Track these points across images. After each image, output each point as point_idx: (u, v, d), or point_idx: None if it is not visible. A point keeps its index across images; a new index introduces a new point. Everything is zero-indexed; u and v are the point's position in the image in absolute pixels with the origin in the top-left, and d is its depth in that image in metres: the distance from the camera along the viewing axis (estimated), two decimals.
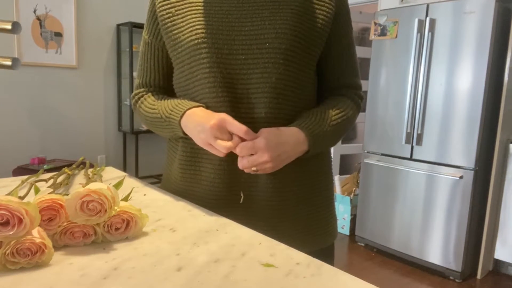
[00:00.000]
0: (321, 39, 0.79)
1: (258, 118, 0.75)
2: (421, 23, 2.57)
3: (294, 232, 0.80)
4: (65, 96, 3.85)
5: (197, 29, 0.75)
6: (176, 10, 0.79)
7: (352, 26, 0.85)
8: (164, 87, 0.87)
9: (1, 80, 3.48)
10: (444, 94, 2.50)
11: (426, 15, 2.55)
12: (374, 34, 2.81)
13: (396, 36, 2.70)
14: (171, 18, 0.79)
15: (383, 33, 2.77)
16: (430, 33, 2.53)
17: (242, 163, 0.71)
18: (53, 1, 3.66)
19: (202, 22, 0.75)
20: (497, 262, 2.72)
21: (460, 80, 2.43)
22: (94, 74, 4.02)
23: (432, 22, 2.52)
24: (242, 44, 0.74)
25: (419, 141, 2.62)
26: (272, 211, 0.79)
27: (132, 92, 4.66)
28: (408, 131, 2.66)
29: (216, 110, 0.75)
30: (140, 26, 4.06)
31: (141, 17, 4.25)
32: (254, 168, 0.71)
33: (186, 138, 0.81)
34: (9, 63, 1.36)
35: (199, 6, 0.77)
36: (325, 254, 0.86)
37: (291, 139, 0.73)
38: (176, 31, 0.78)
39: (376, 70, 2.84)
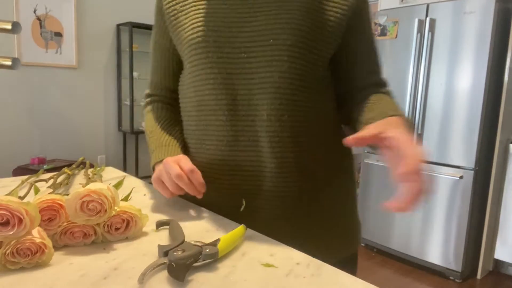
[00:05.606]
0: (334, 36, 0.72)
1: (259, 120, 0.70)
2: (421, 23, 2.56)
3: (307, 244, 0.70)
4: (65, 96, 3.85)
5: (198, 26, 0.72)
6: (180, 7, 0.76)
7: (372, 21, 0.79)
8: (175, 90, 0.84)
9: (1, 80, 3.48)
10: (444, 94, 2.50)
11: (426, 15, 2.55)
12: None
13: (396, 36, 2.70)
14: (176, 15, 0.76)
15: (383, 33, 2.77)
16: (430, 33, 2.53)
17: (415, 203, 0.53)
18: (53, 1, 3.66)
19: (204, 19, 0.71)
20: (497, 262, 2.72)
21: (460, 80, 2.42)
22: (94, 74, 4.02)
23: (432, 22, 2.52)
24: (244, 42, 0.69)
25: (419, 141, 2.62)
26: (282, 227, 0.72)
27: (132, 92, 4.60)
28: None
29: (214, 112, 0.72)
30: (140, 26, 4.05)
31: (141, 17, 4.24)
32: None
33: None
34: (9, 63, 1.36)
35: (203, 1, 0.73)
36: (346, 265, 0.75)
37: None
38: (179, 29, 0.75)
39: None
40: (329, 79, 0.76)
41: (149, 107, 0.88)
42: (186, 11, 0.74)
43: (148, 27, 4.13)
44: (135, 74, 4.09)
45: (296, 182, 0.72)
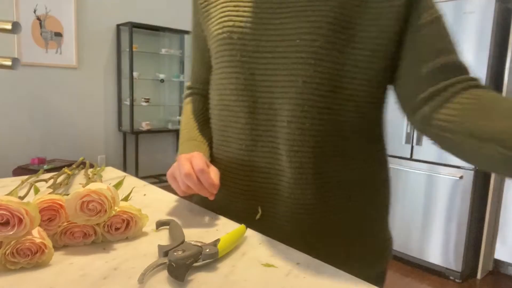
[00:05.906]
0: (386, 27, 0.61)
1: (279, 127, 0.64)
2: None
3: (323, 260, 0.63)
4: (65, 96, 3.85)
5: (224, 21, 0.67)
6: None
7: None
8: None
9: (1, 80, 3.48)
10: None
11: None
12: None
13: None
14: (206, 8, 0.73)
15: None
16: None
17: None
18: (53, 1, 3.66)
19: (231, 14, 0.67)
20: (497, 262, 2.72)
21: None
22: (94, 74, 4.02)
23: None
24: (270, 40, 0.63)
25: (419, 141, 2.62)
26: (296, 239, 0.67)
27: (132, 92, 4.59)
28: (408, 131, 2.66)
29: (235, 114, 0.68)
30: (140, 26, 4.06)
31: (141, 17, 4.25)
32: None
33: None
34: (9, 63, 1.36)
35: None
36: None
37: None
38: (209, 22, 0.72)
39: None
40: (370, 80, 0.64)
41: (188, 99, 0.86)
42: (216, 3, 0.71)
43: (148, 27, 4.14)
44: (135, 74, 4.09)
45: (314, 194, 0.65)
